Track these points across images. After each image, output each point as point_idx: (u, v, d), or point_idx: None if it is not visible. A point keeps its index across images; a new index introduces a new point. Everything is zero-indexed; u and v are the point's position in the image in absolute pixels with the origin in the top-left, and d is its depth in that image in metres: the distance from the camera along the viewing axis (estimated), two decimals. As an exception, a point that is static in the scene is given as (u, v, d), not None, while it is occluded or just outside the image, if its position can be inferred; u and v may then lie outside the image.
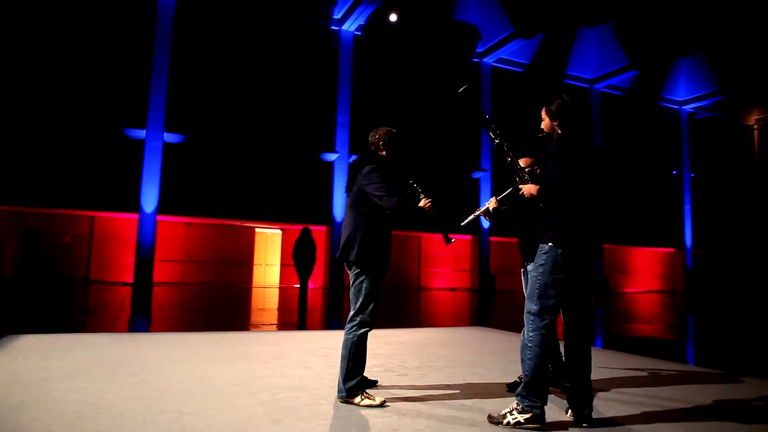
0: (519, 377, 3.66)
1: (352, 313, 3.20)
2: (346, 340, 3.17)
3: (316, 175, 16.62)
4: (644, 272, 23.47)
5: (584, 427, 2.76)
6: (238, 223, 16.45)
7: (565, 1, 18.72)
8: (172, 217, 15.24)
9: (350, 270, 3.25)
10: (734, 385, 4.00)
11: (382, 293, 3.29)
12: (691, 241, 23.63)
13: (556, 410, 3.04)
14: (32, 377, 3.46)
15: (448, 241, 3.28)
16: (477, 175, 19.02)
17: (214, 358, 4.35)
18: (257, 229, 17.19)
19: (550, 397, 3.08)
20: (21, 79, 13.50)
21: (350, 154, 16.72)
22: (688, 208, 23.82)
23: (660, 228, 22.98)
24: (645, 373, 4.30)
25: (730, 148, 24.21)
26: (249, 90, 15.85)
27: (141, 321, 7.46)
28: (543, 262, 2.82)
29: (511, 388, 3.54)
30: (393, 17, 17.14)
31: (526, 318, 2.92)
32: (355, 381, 3.10)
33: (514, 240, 19.03)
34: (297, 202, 16.23)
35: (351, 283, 3.25)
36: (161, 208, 14.56)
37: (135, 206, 14.39)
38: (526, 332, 2.91)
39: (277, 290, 15.04)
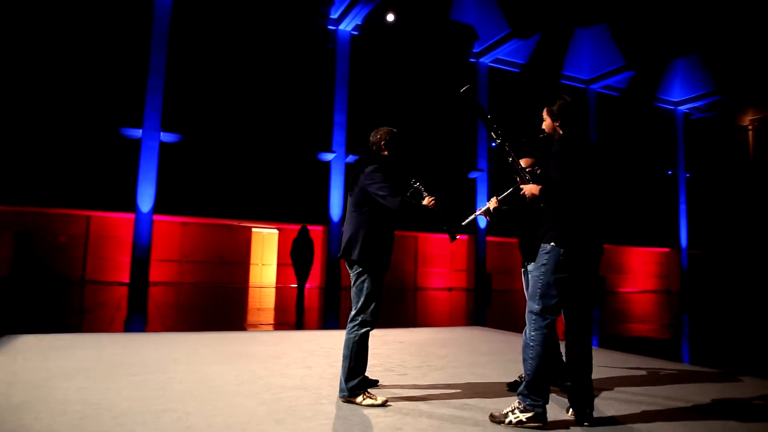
0: (519, 376, 3.67)
1: (353, 312, 3.21)
2: (347, 340, 3.17)
3: (313, 175, 16.60)
4: (639, 272, 23.56)
5: (586, 426, 2.78)
6: (234, 222, 16.42)
7: (562, 2, 18.78)
8: (168, 217, 15.19)
9: (351, 269, 3.25)
10: (732, 384, 4.02)
11: (382, 293, 3.30)
12: (686, 241, 23.75)
13: (557, 409, 3.05)
14: (32, 377, 3.44)
15: (453, 238, 3.30)
16: (473, 175, 19.05)
17: (214, 358, 4.34)
18: (254, 229, 17.15)
19: (551, 396, 3.09)
20: (17, 78, 13.43)
21: (347, 153, 16.71)
22: (683, 208, 23.94)
23: (655, 228, 23.08)
24: (643, 372, 4.32)
25: (725, 149, 24.35)
26: (246, 89, 15.83)
27: (138, 321, 7.44)
28: (545, 261, 2.83)
29: (511, 388, 3.55)
30: (390, 17, 17.16)
31: (527, 317, 2.93)
32: (357, 380, 3.10)
33: (511, 240, 19.13)
34: (294, 202, 16.21)
35: (352, 282, 3.25)
36: (157, 208, 14.51)
37: (131, 206, 14.35)
38: (528, 331, 2.92)
39: (273, 290, 15.02)
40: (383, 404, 3.05)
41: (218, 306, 10.23)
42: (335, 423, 2.75)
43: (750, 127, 23.77)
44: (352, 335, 3.16)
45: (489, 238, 19.14)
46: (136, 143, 14.48)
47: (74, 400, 2.94)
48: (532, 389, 2.74)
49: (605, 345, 6.01)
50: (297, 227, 13.03)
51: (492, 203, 3.65)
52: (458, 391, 3.49)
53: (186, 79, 15.14)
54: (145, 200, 14.31)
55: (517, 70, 20.37)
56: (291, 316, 8.59)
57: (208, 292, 13.07)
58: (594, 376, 2.95)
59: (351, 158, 16.58)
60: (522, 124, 14.58)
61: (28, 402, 2.87)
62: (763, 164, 22.87)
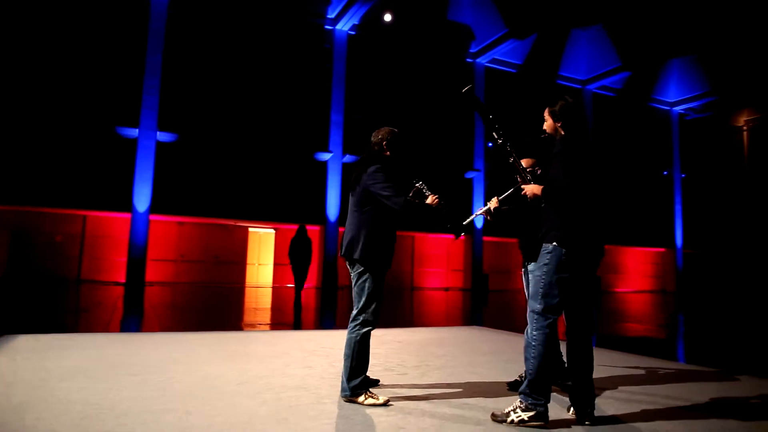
0: (520, 376, 3.69)
1: (354, 312, 3.21)
2: (349, 339, 3.17)
3: (309, 175, 16.58)
4: (635, 272, 23.65)
5: (587, 425, 2.79)
6: (231, 222, 16.38)
7: (558, 3, 18.83)
8: (164, 217, 15.15)
9: (352, 268, 3.25)
10: (730, 383, 4.05)
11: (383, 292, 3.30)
12: (681, 241, 23.86)
13: (558, 408, 3.06)
14: (32, 377, 3.43)
15: (458, 235, 3.32)
16: (470, 175, 19.08)
17: (214, 357, 4.34)
18: (250, 229, 17.12)
19: (552, 395, 3.10)
20: (12, 77, 13.36)
21: (344, 153, 16.68)
22: (678, 208, 24.05)
23: (651, 228, 23.18)
24: (642, 372, 4.35)
25: (720, 149, 24.45)
26: (242, 89, 15.79)
27: (135, 321, 7.42)
28: (547, 261, 2.84)
29: (511, 387, 3.56)
30: (387, 17, 17.16)
31: (529, 317, 2.94)
32: (358, 380, 3.11)
33: (507, 240, 19.17)
34: (290, 202, 16.19)
35: (354, 282, 3.25)
36: (154, 208, 14.46)
37: (127, 205, 14.29)
38: (529, 331, 2.93)
39: (270, 290, 15.00)
40: (385, 404, 3.05)
41: (215, 306, 10.20)
42: (338, 422, 2.75)
43: (745, 127, 23.87)
44: (354, 335, 3.16)
45: (486, 238, 19.15)
46: (133, 143, 14.43)
47: (75, 400, 2.93)
48: (534, 388, 2.75)
49: (603, 345, 6.03)
50: (294, 227, 13.02)
51: (493, 203, 3.65)
52: (458, 390, 3.50)
53: (183, 78, 15.09)
54: (142, 200, 14.26)
55: (514, 71, 20.42)
56: (289, 316, 8.58)
57: (205, 292, 13.04)
58: (594, 375, 2.96)
59: (348, 158, 16.56)
60: (519, 124, 14.63)
61: (28, 402, 2.86)
62: (757, 165, 22.99)
